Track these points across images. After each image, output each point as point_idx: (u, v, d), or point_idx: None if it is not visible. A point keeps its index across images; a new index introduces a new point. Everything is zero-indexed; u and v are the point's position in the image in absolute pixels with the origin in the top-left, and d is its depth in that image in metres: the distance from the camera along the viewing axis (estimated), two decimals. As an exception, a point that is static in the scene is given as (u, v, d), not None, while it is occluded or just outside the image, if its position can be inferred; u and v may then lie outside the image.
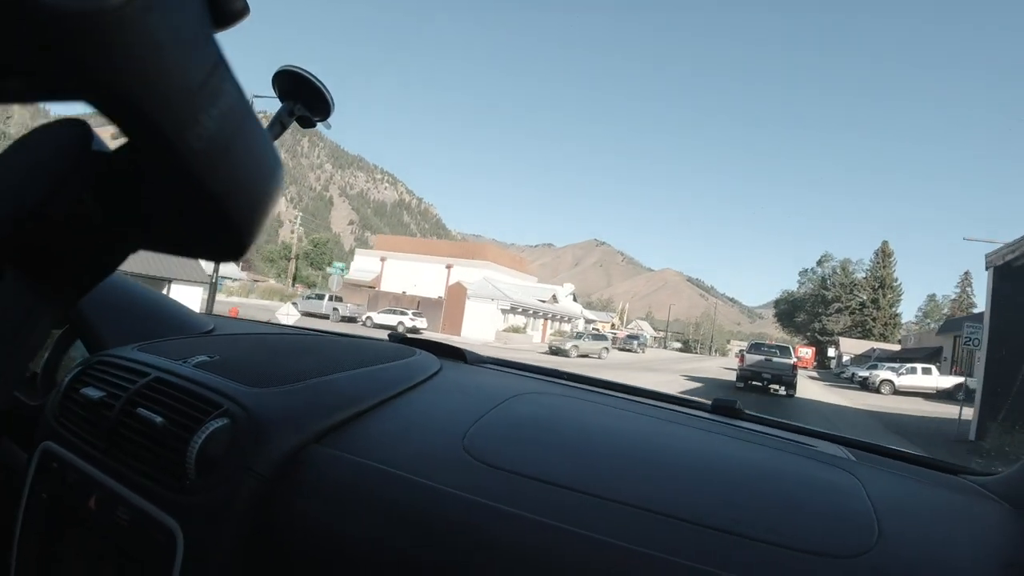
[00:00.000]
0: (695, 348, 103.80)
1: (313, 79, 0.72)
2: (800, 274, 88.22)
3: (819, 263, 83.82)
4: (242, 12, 0.32)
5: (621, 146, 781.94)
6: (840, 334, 73.63)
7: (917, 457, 1.11)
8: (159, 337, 1.17)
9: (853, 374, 38.06)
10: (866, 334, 72.02)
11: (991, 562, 0.69)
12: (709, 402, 1.30)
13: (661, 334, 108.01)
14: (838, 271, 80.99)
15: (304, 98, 0.74)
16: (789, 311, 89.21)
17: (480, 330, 35.46)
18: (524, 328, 39.50)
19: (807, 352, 68.69)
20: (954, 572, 0.65)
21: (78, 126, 0.33)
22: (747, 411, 1.28)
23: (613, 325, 75.41)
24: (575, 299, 58.50)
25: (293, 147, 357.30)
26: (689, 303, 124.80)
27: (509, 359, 1.55)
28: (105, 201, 0.30)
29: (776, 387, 18.96)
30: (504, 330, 36.63)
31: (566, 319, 49.13)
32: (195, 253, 0.29)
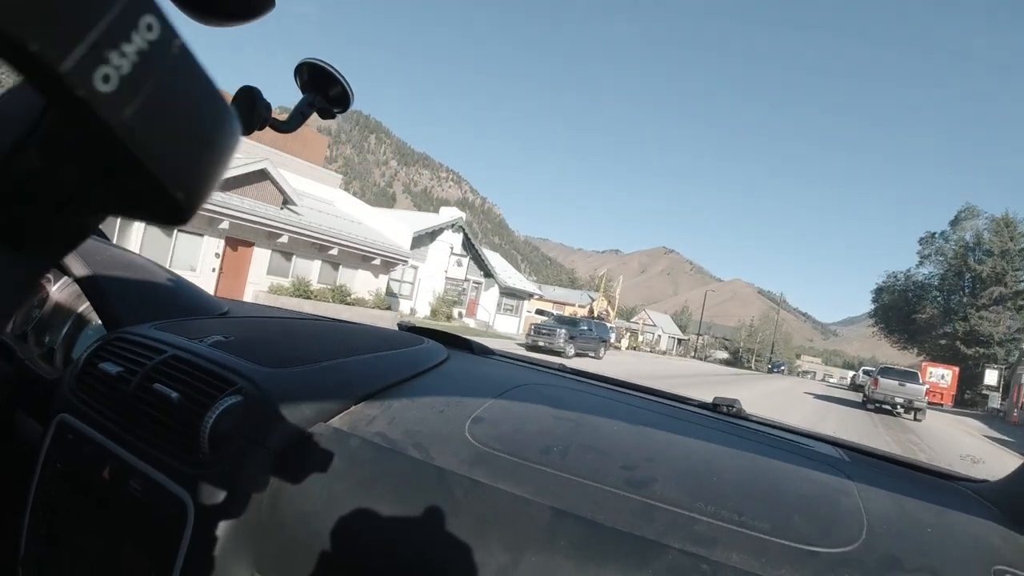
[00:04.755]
0: (747, 361, 68.41)
1: (334, 71, 0.72)
2: (921, 243, 51.20)
3: (954, 224, 47.05)
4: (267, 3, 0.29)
5: (694, 152, 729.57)
6: (1002, 342, 37.20)
7: (912, 463, 1.09)
8: (175, 317, 1.19)
9: None
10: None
11: (973, 563, 0.69)
12: (710, 400, 1.30)
13: (693, 337, 72.06)
14: (990, 235, 45.39)
15: (324, 90, 0.73)
16: (898, 305, 52.44)
17: None
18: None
19: (943, 375, 36.61)
20: (934, 570, 0.65)
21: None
22: (747, 411, 1.27)
23: (592, 311, 42.88)
24: (468, 235, 26.88)
25: (360, 143, 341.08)
26: (758, 315, 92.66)
27: (514, 351, 1.55)
28: (49, 164, 0.25)
29: (902, 412, 19.02)
30: None
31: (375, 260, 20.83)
32: (135, 216, 0.25)
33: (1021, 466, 0.86)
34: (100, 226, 1.28)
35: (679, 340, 72.40)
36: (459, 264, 28.03)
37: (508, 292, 32.70)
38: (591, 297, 45.88)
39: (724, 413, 1.24)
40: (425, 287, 25.56)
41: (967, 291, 45.99)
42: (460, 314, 29.08)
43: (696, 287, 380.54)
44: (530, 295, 35.14)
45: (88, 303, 1.25)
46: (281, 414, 0.80)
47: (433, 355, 1.17)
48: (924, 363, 36.30)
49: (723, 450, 0.91)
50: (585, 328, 22.71)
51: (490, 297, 31.48)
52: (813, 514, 0.72)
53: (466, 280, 27.45)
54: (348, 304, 17.55)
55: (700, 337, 73.37)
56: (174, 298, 1.29)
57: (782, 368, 66.90)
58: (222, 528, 0.73)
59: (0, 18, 0.18)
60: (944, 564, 0.66)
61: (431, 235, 25.63)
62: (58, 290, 1.36)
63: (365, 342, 1.11)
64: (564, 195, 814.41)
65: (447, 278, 27.47)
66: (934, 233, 49.91)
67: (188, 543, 0.73)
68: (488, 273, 31.06)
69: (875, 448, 1.15)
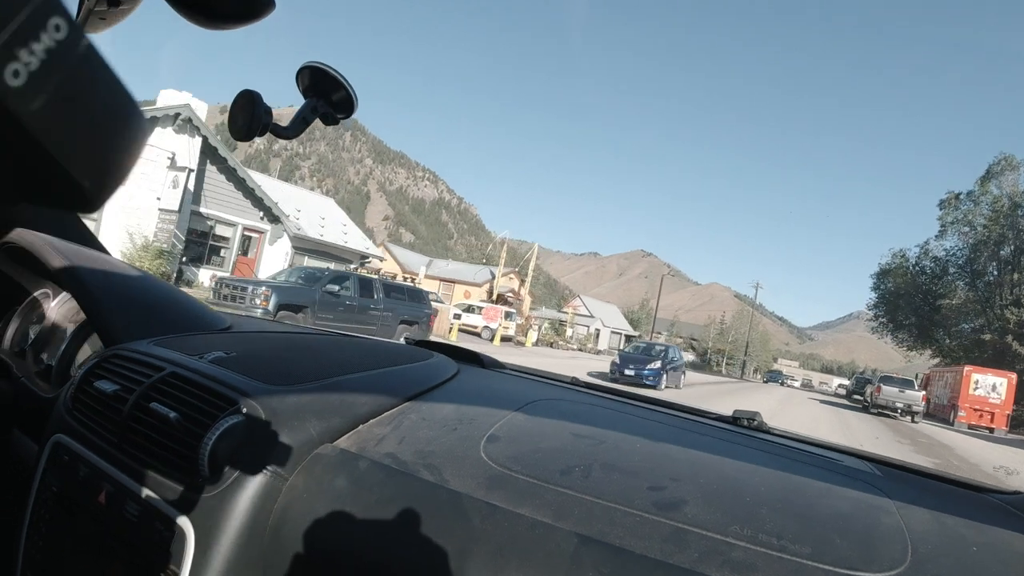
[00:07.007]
0: (716, 363, 56.16)
1: (338, 75, 0.68)
2: (942, 208, 37.27)
3: (985, 181, 35.38)
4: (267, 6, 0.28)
5: (672, 155, 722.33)
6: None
7: (942, 475, 1.04)
8: (175, 333, 1.15)
9: None
10: None
11: None
12: (730, 414, 1.24)
13: (646, 335, 58.66)
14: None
15: (327, 95, 0.69)
16: (909, 293, 38.62)
17: None
18: None
19: (995, 386, 23.01)
20: None
21: None
22: (769, 424, 1.21)
23: (492, 292, 30.19)
24: (208, 138, 12.89)
25: (335, 140, 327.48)
26: (732, 315, 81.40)
27: (525, 365, 1.50)
28: None
29: (899, 416, 20.43)
30: None
31: None
32: (44, 203, 0.24)
33: None
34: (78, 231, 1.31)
35: (628, 337, 53.12)
36: (175, 185, 15.24)
37: (314, 249, 19.91)
38: (493, 273, 33.00)
39: (744, 427, 1.17)
40: (120, 224, 14.54)
41: (1012, 267, 33.12)
42: (217, 279, 16.27)
43: (674, 290, 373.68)
44: (364, 258, 22.26)
45: (86, 319, 1.20)
46: (284, 434, 0.76)
47: (442, 370, 1.12)
48: (968, 368, 23.72)
49: (750, 467, 0.86)
50: (341, 291, 10.44)
51: (278, 253, 18.62)
52: (854, 535, 0.66)
53: (189, 212, 14.62)
54: None
55: (657, 334, 54.39)
56: (175, 313, 1.24)
57: (669, 366, 16.07)
58: (222, 555, 0.69)
59: None
60: None
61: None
62: (56, 306, 1.30)
63: (372, 357, 1.08)
64: (543, 198, 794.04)
65: (160, 211, 14.70)
66: (958, 194, 36.40)
67: (188, 571, 0.69)
68: (271, 215, 18.24)
69: (904, 461, 1.09)
